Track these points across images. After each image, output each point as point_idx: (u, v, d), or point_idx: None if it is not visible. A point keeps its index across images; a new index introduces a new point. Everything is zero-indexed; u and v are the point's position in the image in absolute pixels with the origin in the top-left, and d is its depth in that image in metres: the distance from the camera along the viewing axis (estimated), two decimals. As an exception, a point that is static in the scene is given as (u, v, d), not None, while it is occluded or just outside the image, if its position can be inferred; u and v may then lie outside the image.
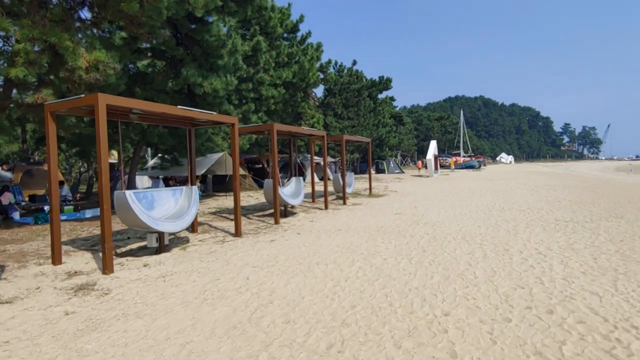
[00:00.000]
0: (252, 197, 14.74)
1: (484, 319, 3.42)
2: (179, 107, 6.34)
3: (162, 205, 6.64)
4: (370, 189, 16.07)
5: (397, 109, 56.69)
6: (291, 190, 10.40)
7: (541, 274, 4.65)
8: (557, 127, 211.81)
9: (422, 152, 56.80)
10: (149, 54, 11.62)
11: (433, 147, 31.69)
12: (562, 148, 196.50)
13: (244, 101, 15.35)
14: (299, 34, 20.28)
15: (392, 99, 48.91)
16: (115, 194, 5.79)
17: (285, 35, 19.55)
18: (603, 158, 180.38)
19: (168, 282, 4.66)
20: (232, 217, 9.29)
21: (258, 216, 10.10)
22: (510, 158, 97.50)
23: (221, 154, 14.48)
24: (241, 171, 17.26)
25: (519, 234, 7.03)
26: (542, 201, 12.06)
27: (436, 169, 32.50)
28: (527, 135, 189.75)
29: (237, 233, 7.41)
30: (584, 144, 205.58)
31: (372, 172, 36.41)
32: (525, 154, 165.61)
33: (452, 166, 47.98)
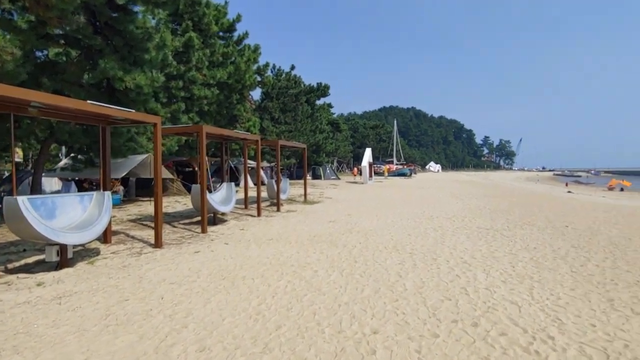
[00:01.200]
0: (179, 202, 13.79)
1: (412, 336, 3.32)
2: (89, 102, 5.60)
3: (66, 214, 5.80)
4: (305, 195, 15.91)
5: (335, 115, 57.65)
6: (221, 197, 9.83)
7: (466, 284, 4.74)
8: (478, 139, 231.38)
9: (358, 159, 58.27)
10: (62, 42, 10.37)
11: (368, 154, 32.57)
12: (482, 159, 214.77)
13: (173, 100, 14.36)
14: (236, 34, 19.58)
15: (329, 105, 49.56)
16: (4, 200, 4.92)
17: (221, 34, 18.74)
18: (516, 169, 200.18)
19: (64, 305, 3.99)
20: (153, 225, 8.51)
21: (184, 224, 9.39)
22: (438, 167, 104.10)
23: (146, 155, 13.38)
24: (169, 174, 16.15)
25: (445, 242, 7.23)
26: (466, 209, 12.76)
27: (371, 176, 33.41)
28: (453, 146, 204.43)
29: (157, 244, 6.74)
30: (501, 156, 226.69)
31: (309, 177, 36.46)
32: (451, 163, 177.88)
33: (386, 173, 49.85)
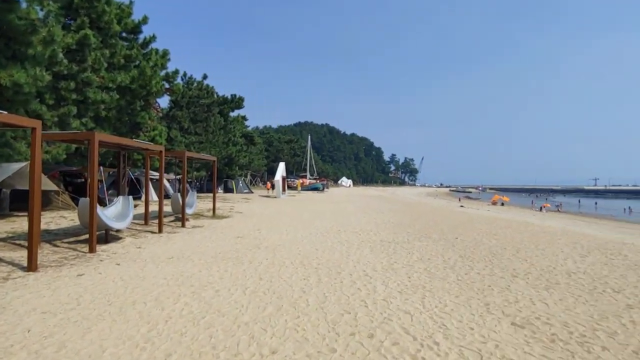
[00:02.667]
0: (65, 218, 12.20)
1: (311, 353, 3.31)
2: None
3: None
4: (214, 209, 15.29)
5: (249, 128, 57.02)
6: (115, 212, 8.93)
7: (366, 296, 4.92)
8: (386, 156, 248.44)
9: (272, 172, 58.19)
10: None
11: (282, 168, 32.69)
12: (389, 175, 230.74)
13: (62, 103, 12.81)
14: (141, 37, 18.39)
15: (244, 118, 48.90)
16: None
17: (124, 34, 17.42)
18: (419, 185, 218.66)
19: None
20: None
21: (69, 242, 8.31)
22: (350, 182, 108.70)
23: (25, 163, 11.63)
24: (54, 186, 14.26)
25: (350, 256, 7.48)
26: (372, 223, 13.43)
27: (284, 190, 33.53)
28: (364, 162, 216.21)
29: (31, 266, 5.83)
30: (406, 172, 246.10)
31: (220, 191, 35.27)
32: (362, 178, 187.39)
33: (299, 187, 50.53)
